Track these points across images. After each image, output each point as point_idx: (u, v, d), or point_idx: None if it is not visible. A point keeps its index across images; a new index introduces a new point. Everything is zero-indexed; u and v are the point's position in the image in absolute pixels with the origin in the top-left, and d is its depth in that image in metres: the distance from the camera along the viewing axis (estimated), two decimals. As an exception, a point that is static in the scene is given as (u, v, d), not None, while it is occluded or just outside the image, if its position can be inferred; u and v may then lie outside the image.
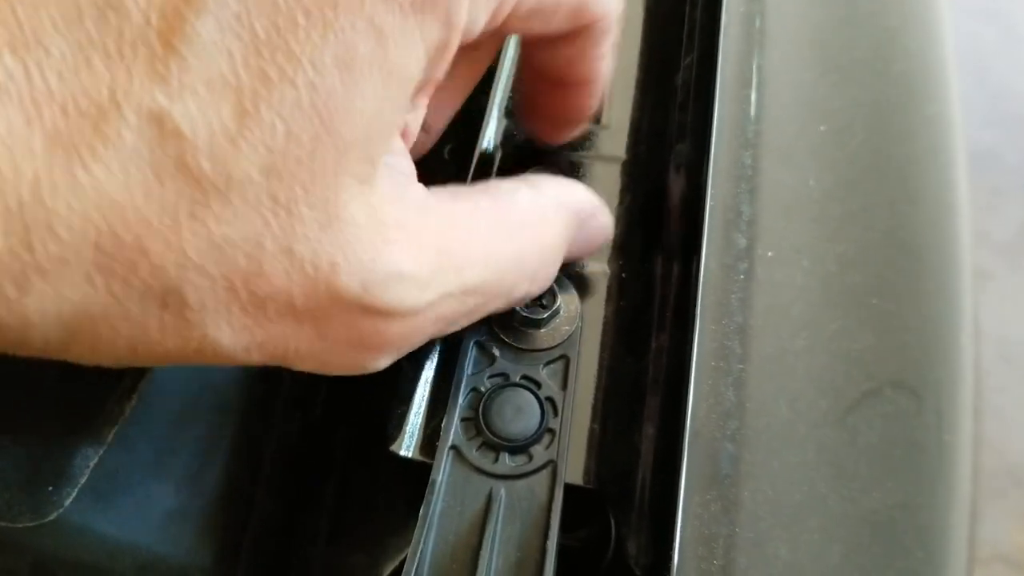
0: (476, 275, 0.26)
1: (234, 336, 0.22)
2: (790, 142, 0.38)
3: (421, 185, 0.26)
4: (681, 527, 0.28)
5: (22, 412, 0.29)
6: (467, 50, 0.28)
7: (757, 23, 0.38)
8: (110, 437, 0.28)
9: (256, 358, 0.23)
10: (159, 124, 0.19)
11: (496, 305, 0.29)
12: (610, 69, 0.32)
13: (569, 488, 0.31)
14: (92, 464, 0.28)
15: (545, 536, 0.30)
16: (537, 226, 0.29)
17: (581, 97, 0.33)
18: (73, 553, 0.35)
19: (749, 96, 0.36)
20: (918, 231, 0.43)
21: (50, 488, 0.28)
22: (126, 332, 0.21)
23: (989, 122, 2.17)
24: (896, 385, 0.39)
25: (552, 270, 0.31)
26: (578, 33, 0.30)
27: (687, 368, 0.30)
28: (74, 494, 0.28)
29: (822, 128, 0.39)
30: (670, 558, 0.27)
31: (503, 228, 0.28)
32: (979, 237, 1.99)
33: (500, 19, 0.26)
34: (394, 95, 0.22)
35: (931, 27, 0.50)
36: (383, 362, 0.26)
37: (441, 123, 0.34)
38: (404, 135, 0.26)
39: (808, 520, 0.33)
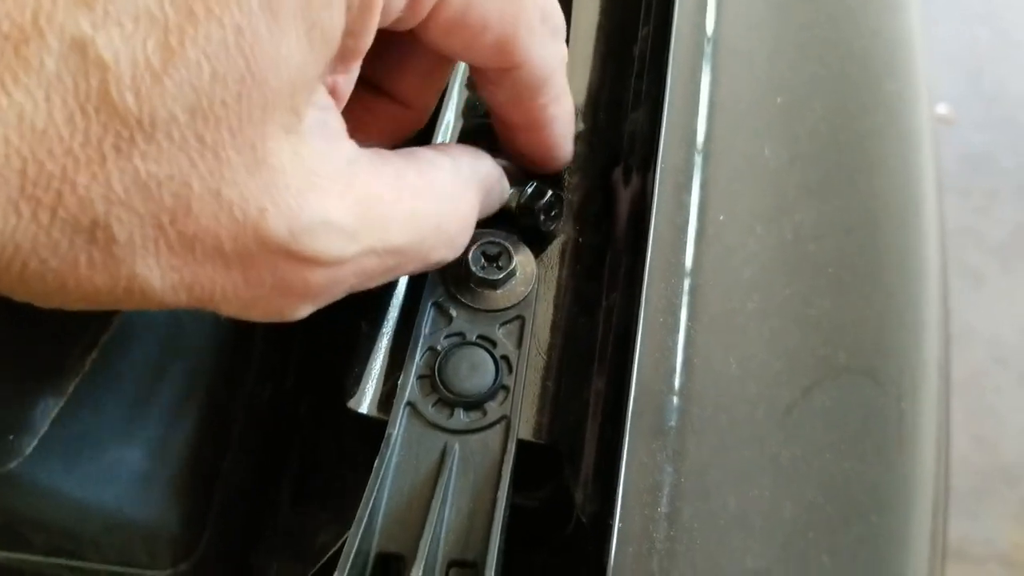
0: (400, 235, 0.27)
1: (162, 276, 0.22)
2: (745, 112, 0.39)
3: (352, 143, 0.26)
4: (625, 475, 0.28)
5: None
6: (419, 46, 0.29)
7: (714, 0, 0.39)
8: (71, 389, 0.29)
9: (183, 299, 0.23)
10: (82, 52, 0.19)
11: (413, 267, 0.30)
12: (563, 118, 0.32)
13: (523, 444, 0.32)
14: (52, 415, 0.29)
15: (496, 488, 0.30)
16: (457, 197, 0.30)
17: (537, 139, 0.33)
18: (41, 513, 0.35)
19: (701, 65, 0.37)
20: (877, 202, 0.44)
21: (11, 436, 0.28)
22: (55, 265, 0.21)
23: (983, 125, 2.18)
24: (852, 353, 0.40)
25: (466, 237, 0.31)
26: (507, 75, 0.30)
27: (635, 324, 0.31)
28: (34, 443, 0.28)
29: (778, 100, 0.40)
30: (613, 503, 0.28)
31: (427, 194, 0.28)
32: (973, 238, 2.00)
33: (420, 13, 0.26)
34: (317, 48, 0.22)
35: (895, 6, 0.51)
36: (303, 311, 0.26)
37: (422, 100, 0.33)
38: (334, 93, 0.26)
39: (758, 476, 0.33)
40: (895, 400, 0.42)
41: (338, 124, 0.26)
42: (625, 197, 0.36)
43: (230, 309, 0.24)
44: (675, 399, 0.31)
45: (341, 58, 0.25)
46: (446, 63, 0.33)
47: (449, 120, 0.38)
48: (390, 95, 0.33)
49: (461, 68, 0.40)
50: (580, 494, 0.30)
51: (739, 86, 0.39)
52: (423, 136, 0.37)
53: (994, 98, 2.26)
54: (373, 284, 0.28)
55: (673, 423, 0.30)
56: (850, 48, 0.44)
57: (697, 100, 0.36)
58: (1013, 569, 1.63)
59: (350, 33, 0.24)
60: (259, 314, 0.25)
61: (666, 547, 0.28)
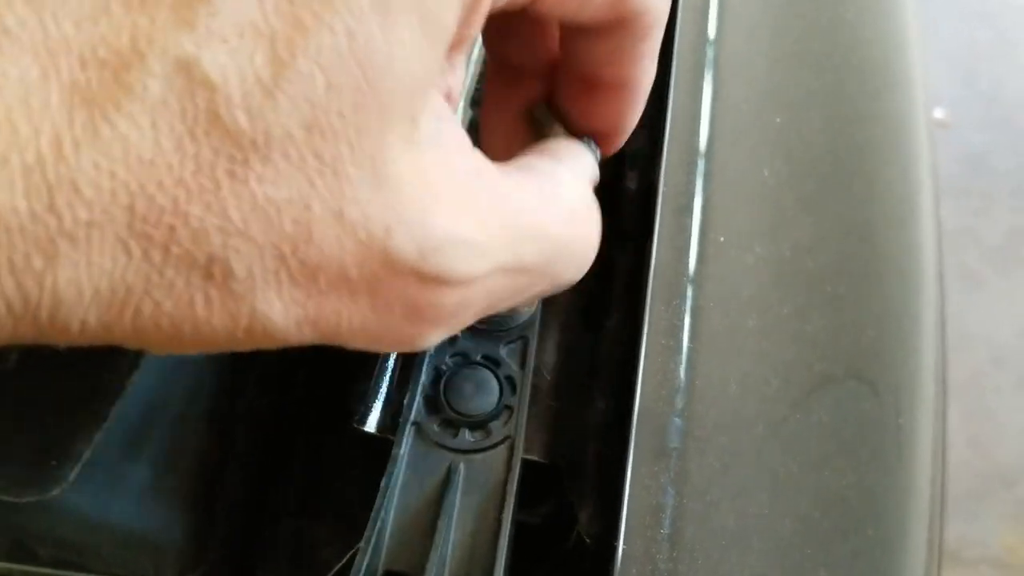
0: (531, 252, 0.25)
1: (285, 311, 0.21)
2: (744, 132, 0.39)
3: (476, 152, 0.24)
4: (629, 496, 0.29)
5: (21, 389, 0.29)
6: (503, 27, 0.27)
7: (714, 16, 0.39)
8: (110, 413, 0.29)
9: (308, 335, 0.22)
10: (187, 72, 0.18)
11: (541, 288, 0.28)
12: (651, 77, 0.30)
13: (526, 463, 0.32)
14: (94, 440, 0.28)
15: (501, 507, 0.31)
16: (583, 212, 0.28)
17: (618, 103, 0.31)
18: (52, 532, 0.36)
19: (702, 85, 0.37)
20: (874, 216, 0.45)
21: (53, 463, 0.28)
22: (169, 308, 0.19)
23: (981, 126, 2.19)
24: (849, 368, 0.40)
25: (593, 255, 0.29)
26: (617, 26, 0.28)
27: (637, 346, 0.31)
28: (78, 469, 0.28)
29: (778, 120, 0.40)
30: (617, 525, 0.28)
31: (554, 210, 0.26)
32: (970, 240, 2.00)
33: None
34: (432, 44, 0.21)
35: (891, 19, 0.51)
36: (435, 337, 0.24)
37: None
38: (449, 98, 0.25)
39: (757, 494, 0.34)
40: (893, 412, 0.42)
41: (458, 133, 0.24)
42: (628, 218, 0.36)
43: (358, 342, 0.23)
44: (677, 420, 0.31)
45: (449, 54, 0.23)
46: (552, 30, 0.31)
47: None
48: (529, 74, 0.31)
49: (464, 85, 0.40)
50: (584, 514, 0.31)
51: (738, 106, 0.39)
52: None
53: (992, 100, 2.27)
54: (502, 307, 0.26)
55: (675, 444, 0.31)
56: (847, 61, 0.45)
57: (698, 121, 0.37)
58: (1007, 571, 1.64)
59: (463, 21, 0.22)
60: (388, 345, 0.23)
61: (669, 568, 0.29)
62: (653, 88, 0.36)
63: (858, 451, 0.40)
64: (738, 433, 0.34)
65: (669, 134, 0.35)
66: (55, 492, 0.28)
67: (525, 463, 0.33)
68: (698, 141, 0.37)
